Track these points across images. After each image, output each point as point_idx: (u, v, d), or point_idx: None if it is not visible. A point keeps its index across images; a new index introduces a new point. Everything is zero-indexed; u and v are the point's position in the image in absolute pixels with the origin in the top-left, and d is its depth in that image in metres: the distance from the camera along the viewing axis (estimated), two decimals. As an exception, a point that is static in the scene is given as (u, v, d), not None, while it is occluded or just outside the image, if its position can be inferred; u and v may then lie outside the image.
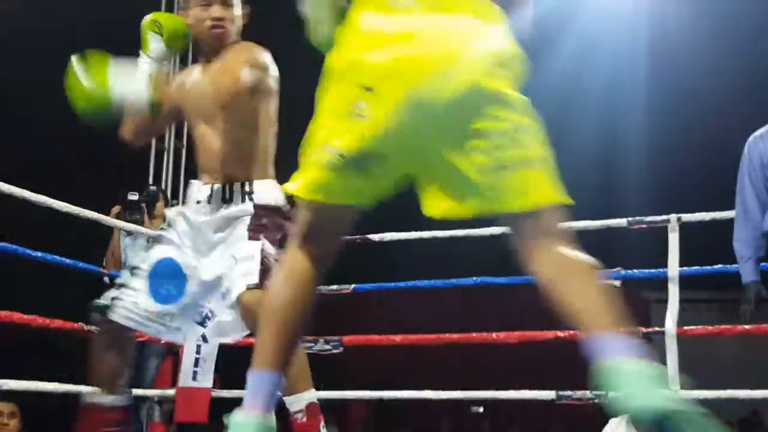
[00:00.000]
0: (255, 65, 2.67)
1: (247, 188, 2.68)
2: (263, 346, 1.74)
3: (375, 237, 4.54)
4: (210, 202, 2.70)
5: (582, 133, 8.65)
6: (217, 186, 2.70)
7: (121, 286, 2.69)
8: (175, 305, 2.66)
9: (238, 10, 2.77)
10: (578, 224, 4.56)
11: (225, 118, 2.70)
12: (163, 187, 7.09)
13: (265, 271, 2.52)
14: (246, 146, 2.72)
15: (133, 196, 5.25)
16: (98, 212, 4.42)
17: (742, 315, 3.50)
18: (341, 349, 4.36)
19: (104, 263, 5.26)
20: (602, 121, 8.87)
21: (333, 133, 1.69)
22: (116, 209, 5.21)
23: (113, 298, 2.66)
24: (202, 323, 2.72)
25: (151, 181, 7.00)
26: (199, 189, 2.74)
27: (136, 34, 2.71)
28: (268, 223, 2.65)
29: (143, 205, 5.29)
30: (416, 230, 4.53)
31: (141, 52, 2.65)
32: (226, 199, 2.68)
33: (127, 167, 6.55)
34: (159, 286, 2.65)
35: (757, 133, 3.51)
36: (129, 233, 5.20)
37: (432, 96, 1.63)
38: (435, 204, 1.73)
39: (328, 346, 4.27)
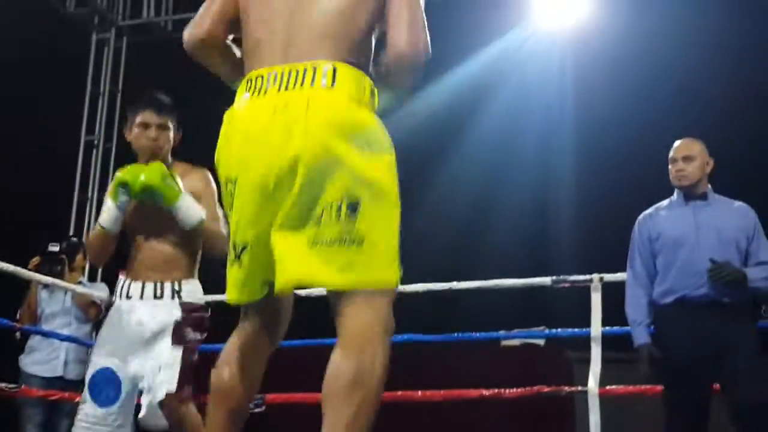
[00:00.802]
0: (201, 179, 3.12)
1: (176, 287, 3.03)
2: None
3: (302, 292, 4.50)
4: (142, 298, 3.03)
5: (512, 197, 8.80)
6: (149, 284, 3.04)
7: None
8: (116, 406, 2.96)
9: (172, 134, 3.14)
10: (504, 282, 4.61)
11: (170, 228, 3.04)
12: (86, 237, 6.95)
13: (184, 376, 2.91)
14: (182, 250, 3.09)
15: (54, 248, 5.12)
16: (14, 264, 4.28)
17: (641, 375, 3.65)
18: (263, 407, 4.28)
19: (18, 317, 5.08)
20: (532, 185, 9.04)
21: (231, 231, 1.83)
22: (35, 261, 5.04)
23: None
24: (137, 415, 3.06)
25: (72, 232, 6.86)
26: (129, 285, 3.07)
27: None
28: (192, 325, 3.01)
29: (63, 256, 5.14)
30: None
31: (109, 198, 3.01)
32: (157, 296, 3.02)
33: (46, 218, 6.40)
34: (99, 392, 2.97)
35: (647, 212, 3.74)
36: (46, 286, 5.05)
37: (262, 178, 1.70)
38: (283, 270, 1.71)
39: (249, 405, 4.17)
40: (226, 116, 1.82)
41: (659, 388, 4.23)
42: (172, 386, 2.90)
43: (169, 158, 3.14)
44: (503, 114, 8.16)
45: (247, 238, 1.77)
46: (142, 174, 2.91)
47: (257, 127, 1.73)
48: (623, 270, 4.34)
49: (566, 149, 8.79)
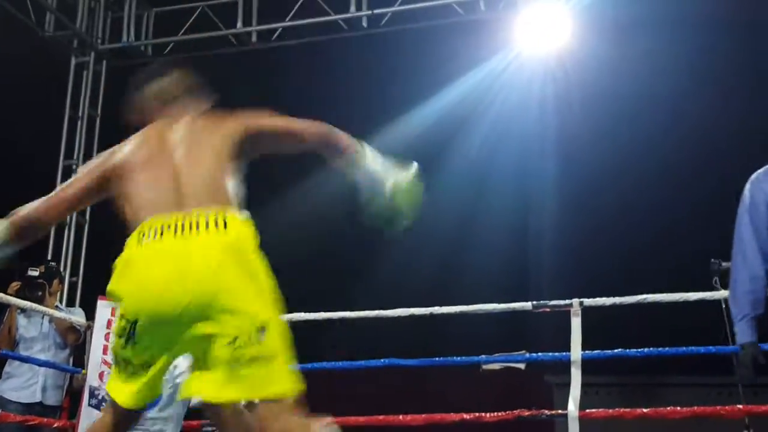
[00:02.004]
0: None
1: None
2: None
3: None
4: None
5: (493, 223, 8.83)
6: None
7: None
8: (155, 409, 2.92)
9: None
10: (485, 307, 4.62)
11: None
12: (64, 261, 6.92)
13: None
14: None
15: (34, 272, 5.08)
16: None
17: (741, 379, 3.10)
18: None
19: (-4, 341, 5.04)
20: (513, 211, 9.09)
21: (117, 353, 2.01)
22: (15, 285, 5.01)
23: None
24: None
25: (49, 256, 6.81)
26: None
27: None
28: None
29: (43, 281, 5.11)
30: (323, 311, 4.51)
31: None
32: None
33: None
34: None
35: (762, 170, 2.99)
36: (23, 311, 5.01)
37: (168, 311, 1.88)
38: (202, 386, 1.91)
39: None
40: (119, 263, 1.99)
41: (638, 411, 4.24)
42: None
43: None
44: (484, 140, 8.21)
45: (151, 359, 1.98)
46: None
47: (157, 271, 1.92)
48: (603, 295, 4.38)
49: (547, 175, 8.86)
